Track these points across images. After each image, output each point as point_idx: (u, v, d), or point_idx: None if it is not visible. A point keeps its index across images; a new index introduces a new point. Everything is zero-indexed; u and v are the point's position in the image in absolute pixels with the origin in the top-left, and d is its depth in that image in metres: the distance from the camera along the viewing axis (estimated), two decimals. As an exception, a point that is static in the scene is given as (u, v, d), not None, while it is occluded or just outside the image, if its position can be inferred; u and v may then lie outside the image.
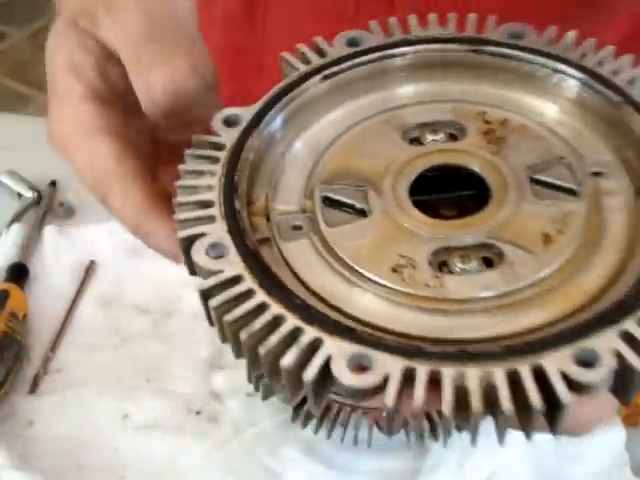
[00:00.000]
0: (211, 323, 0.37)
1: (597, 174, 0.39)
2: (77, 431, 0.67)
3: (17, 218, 0.81)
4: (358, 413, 0.62)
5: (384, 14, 0.75)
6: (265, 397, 0.65)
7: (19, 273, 0.75)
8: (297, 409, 0.63)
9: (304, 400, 0.62)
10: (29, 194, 0.82)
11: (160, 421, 0.67)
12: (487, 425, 0.66)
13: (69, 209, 0.82)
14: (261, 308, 0.34)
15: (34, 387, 0.69)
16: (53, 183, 0.83)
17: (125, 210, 0.45)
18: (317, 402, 0.34)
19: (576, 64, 0.41)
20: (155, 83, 0.43)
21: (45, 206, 0.82)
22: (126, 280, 0.77)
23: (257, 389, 0.65)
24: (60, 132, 0.47)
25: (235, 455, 0.65)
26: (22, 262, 0.76)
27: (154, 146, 0.46)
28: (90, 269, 0.77)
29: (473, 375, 0.31)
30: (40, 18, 2.46)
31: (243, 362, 0.66)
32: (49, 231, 0.79)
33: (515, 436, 0.67)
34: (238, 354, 0.36)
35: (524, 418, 0.30)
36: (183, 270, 0.78)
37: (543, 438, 0.66)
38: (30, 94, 2.25)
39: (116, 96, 0.47)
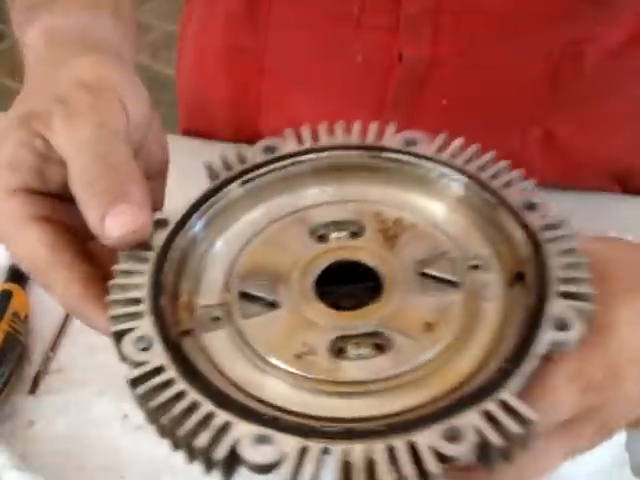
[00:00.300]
0: (140, 407, 0.41)
1: (475, 267, 0.45)
2: (77, 431, 0.67)
3: (17, 218, 0.81)
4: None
5: (389, 13, 0.75)
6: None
7: (21, 273, 0.75)
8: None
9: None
10: (29, 194, 0.82)
11: (160, 421, 0.67)
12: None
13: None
14: (180, 396, 0.39)
15: (34, 387, 0.69)
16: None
17: (66, 299, 0.46)
18: (228, 476, 0.38)
19: (459, 169, 0.46)
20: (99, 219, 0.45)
21: (45, 206, 0.82)
22: (126, 280, 0.77)
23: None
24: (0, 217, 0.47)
25: (235, 455, 0.66)
26: (22, 262, 0.76)
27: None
28: (90, 269, 0.77)
29: (357, 450, 0.36)
30: (40, 18, 2.47)
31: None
32: (49, 231, 0.79)
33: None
34: (162, 436, 0.40)
35: None
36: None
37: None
38: (30, 94, 2.25)
39: (49, 192, 0.48)
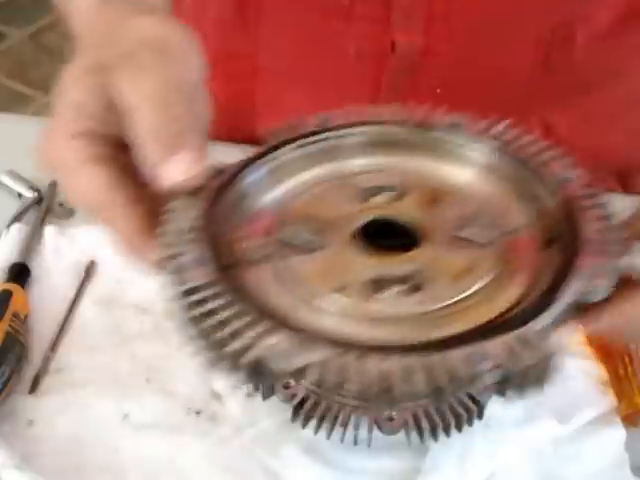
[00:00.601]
0: (182, 324, 0.44)
1: (508, 232, 0.49)
2: (77, 431, 0.67)
3: (17, 218, 0.81)
4: (358, 413, 0.62)
5: (381, 3, 0.75)
6: (265, 397, 0.65)
7: (21, 273, 0.75)
8: (297, 409, 0.63)
9: (304, 400, 0.63)
10: (29, 194, 0.82)
11: (160, 421, 0.67)
12: (487, 426, 0.66)
13: (69, 209, 0.82)
14: (224, 306, 0.43)
15: (34, 387, 0.69)
16: (53, 183, 0.83)
17: (125, 234, 0.50)
18: (254, 381, 0.45)
19: (501, 145, 0.51)
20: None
21: (45, 206, 0.82)
22: (126, 280, 0.77)
23: (257, 389, 0.65)
24: (54, 160, 0.51)
25: (235, 455, 0.66)
26: (23, 262, 0.76)
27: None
28: (90, 269, 0.77)
29: (389, 361, 0.40)
30: (40, 18, 2.47)
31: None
32: (49, 231, 0.80)
33: (515, 437, 0.67)
34: (204, 343, 0.44)
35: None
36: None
37: (543, 438, 0.66)
38: (30, 94, 2.25)
39: (108, 136, 0.51)
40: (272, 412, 0.67)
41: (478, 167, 0.52)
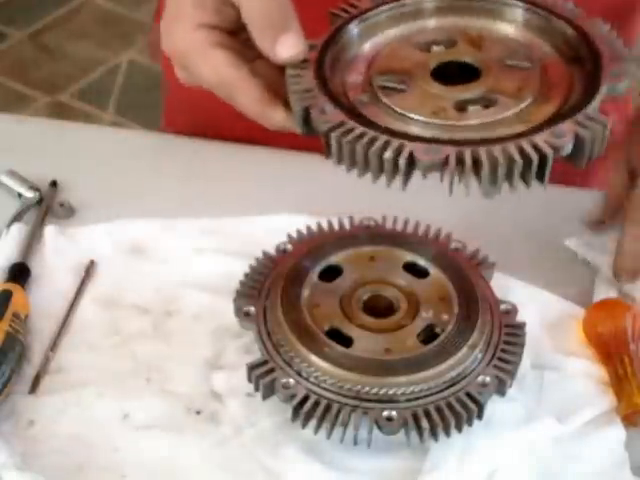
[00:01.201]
0: (328, 152, 0.57)
1: (541, 58, 0.62)
2: (77, 431, 0.67)
3: (17, 218, 0.81)
4: (358, 413, 0.63)
5: None
6: (265, 397, 0.65)
7: (21, 273, 0.75)
8: (297, 409, 0.63)
9: (304, 400, 0.63)
10: (29, 194, 0.82)
11: (160, 421, 0.67)
12: (487, 426, 0.66)
13: (69, 209, 0.82)
14: (363, 134, 0.56)
15: (34, 387, 0.69)
16: (54, 183, 0.83)
17: (249, 104, 0.61)
18: (407, 180, 0.56)
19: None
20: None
21: (45, 206, 0.82)
22: (126, 280, 0.77)
23: (257, 389, 0.65)
24: (182, 49, 0.63)
25: (235, 455, 0.66)
26: (23, 262, 0.76)
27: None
28: (90, 269, 0.77)
29: (498, 148, 0.54)
30: (40, 18, 2.46)
31: (243, 362, 0.66)
32: (49, 231, 0.79)
33: (515, 437, 0.67)
34: (348, 162, 0.57)
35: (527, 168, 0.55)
36: (183, 270, 0.78)
37: (543, 438, 0.66)
38: (30, 94, 2.25)
39: (224, 26, 0.63)
40: (272, 412, 0.67)
41: (512, 21, 0.65)
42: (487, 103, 0.59)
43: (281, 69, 0.60)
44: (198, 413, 0.68)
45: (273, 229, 0.77)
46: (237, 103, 0.62)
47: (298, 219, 0.78)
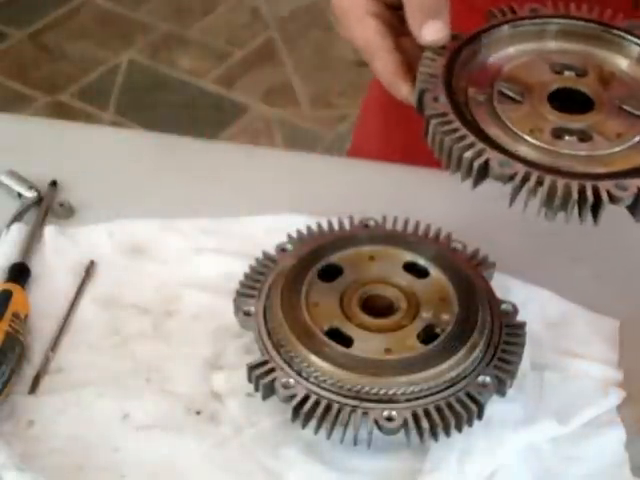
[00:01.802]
0: (425, 133, 0.63)
1: None
2: (77, 431, 0.67)
3: (17, 218, 0.81)
4: (358, 413, 0.62)
5: None
6: (265, 397, 0.65)
7: (21, 273, 0.75)
8: (297, 409, 0.63)
9: (304, 400, 0.63)
10: (29, 194, 0.82)
11: (160, 421, 0.67)
12: (487, 426, 0.66)
13: (69, 209, 0.82)
14: (455, 130, 0.61)
15: (34, 387, 0.69)
16: (53, 183, 0.83)
17: (383, 73, 0.66)
18: (478, 182, 0.60)
19: None
20: None
21: (45, 206, 0.82)
22: (126, 280, 0.77)
23: (257, 389, 0.65)
24: (345, 7, 0.69)
25: (235, 455, 0.66)
26: (23, 262, 0.76)
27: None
28: (90, 269, 0.77)
29: (561, 182, 0.58)
30: (40, 18, 2.47)
31: (243, 362, 0.66)
32: (49, 231, 0.79)
33: (515, 437, 0.67)
34: (436, 149, 0.62)
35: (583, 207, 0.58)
36: (183, 270, 0.78)
37: (543, 439, 0.66)
38: (30, 94, 2.25)
39: (389, 1, 0.69)
40: (272, 412, 0.67)
41: None
42: (583, 137, 0.63)
43: (422, 50, 0.66)
44: (198, 413, 0.68)
45: (273, 229, 0.77)
46: (373, 68, 0.67)
47: (298, 219, 0.78)
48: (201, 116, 2.21)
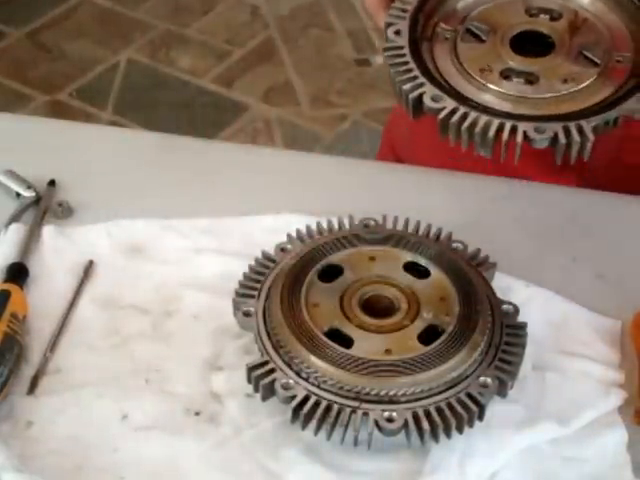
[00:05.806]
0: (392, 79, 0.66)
1: (618, 61, 0.66)
2: (76, 431, 0.66)
3: (16, 218, 0.80)
4: (358, 414, 0.62)
5: None
6: (264, 398, 0.65)
7: (19, 273, 0.75)
8: (297, 410, 0.63)
9: (304, 401, 0.63)
10: (27, 194, 0.82)
11: (159, 421, 0.67)
12: (488, 427, 0.66)
13: (68, 209, 0.82)
14: (405, 62, 0.65)
15: (33, 388, 0.69)
16: (52, 183, 0.83)
17: (371, 5, 0.73)
18: (416, 115, 0.64)
19: None
20: None
21: (44, 206, 0.81)
22: (125, 280, 0.76)
23: (257, 390, 0.65)
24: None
25: (234, 456, 0.65)
26: (21, 262, 0.76)
27: None
28: (89, 269, 0.77)
29: (484, 120, 0.62)
30: (38, 17, 2.46)
31: (243, 363, 0.66)
32: (48, 231, 0.79)
33: (516, 438, 0.67)
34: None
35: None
36: (183, 270, 0.78)
37: (544, 440, 0.66)
38: (29, 94, 2.25)
39: None
40: (272, 413, 0.66)
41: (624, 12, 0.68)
42: (529, 80, 0.65)
43: None
44: (197, 414, 0.68)
45: (273, 229, 0.77)
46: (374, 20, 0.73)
47: (298, 219, 0.78)
48: (200, 115, 2.20)
